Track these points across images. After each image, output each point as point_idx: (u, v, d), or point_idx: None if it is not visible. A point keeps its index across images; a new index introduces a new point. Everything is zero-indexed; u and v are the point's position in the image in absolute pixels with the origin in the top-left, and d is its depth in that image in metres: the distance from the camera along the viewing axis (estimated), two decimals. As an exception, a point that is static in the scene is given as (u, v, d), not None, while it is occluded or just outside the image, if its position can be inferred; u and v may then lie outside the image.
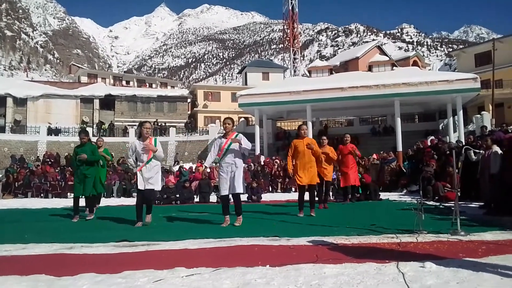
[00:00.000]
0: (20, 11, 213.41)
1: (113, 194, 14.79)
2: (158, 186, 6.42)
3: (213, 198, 11.87)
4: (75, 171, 7.48)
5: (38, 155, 28.15)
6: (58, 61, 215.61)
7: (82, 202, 7.34)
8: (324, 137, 9.25)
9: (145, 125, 6.25)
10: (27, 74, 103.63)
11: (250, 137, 28.53)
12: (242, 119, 35.20)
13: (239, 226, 5.66)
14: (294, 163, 7.08)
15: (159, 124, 35.02)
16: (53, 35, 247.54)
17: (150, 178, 6.16)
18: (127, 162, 6.24)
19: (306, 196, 7.17)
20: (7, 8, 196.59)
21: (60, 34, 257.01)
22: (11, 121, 34.29)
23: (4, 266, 3.37)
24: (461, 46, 79.96)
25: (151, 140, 6.22)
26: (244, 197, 12.68)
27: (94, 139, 8.49)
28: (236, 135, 5.86)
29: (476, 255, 3.44)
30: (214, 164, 18.33)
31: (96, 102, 38.28)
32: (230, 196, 5.99)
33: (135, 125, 34.42)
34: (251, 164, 18.28)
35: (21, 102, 35.63)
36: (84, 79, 47.60)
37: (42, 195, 15.29)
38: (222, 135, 6.13)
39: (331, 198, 10.32)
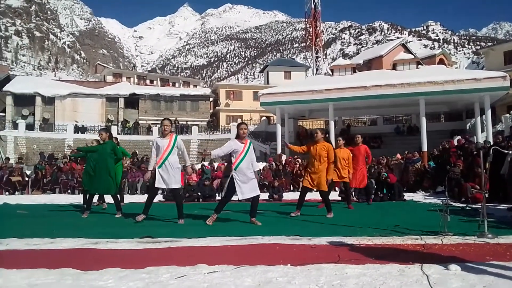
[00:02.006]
0: (49, 12, 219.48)
1: (137, 191, 15.06)
2: (178, 184, 6.45)
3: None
4: (93, 166, 7.41)
5: (65, 152, 28.97)
6: (84, 60, 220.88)
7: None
8: (340, 138, 8.88)
9: (163, 122, 6.30)
10: (55, 74, 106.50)
11: (272, 136, 28.72)
12: (264, 118, 35.21)
13: (261, 225, 5.75)
14: (305, 164, 7.14)
15: (180, 123, 35.43)
16: (80, 35, 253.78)
17: (171, 177, 6.16)
18: (150, 159, 6.36)
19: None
20: (36, 9, 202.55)
21: (87, 34, 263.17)
22: (39, 119, 35.45)
23: (33, 260, 3.50)
24: (489, 44, 77.62)
25: (172, 136, 6.26)
26: (265, 196, 12.74)
27: (119, 138, 8.59)
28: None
29: (503, 259, 3.34)
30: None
31: (121, 101, 39.07)
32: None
33: (158, 123, 34.94)
34: (273, 163, 18.25)
35: (49, 101, 36.76)
36: (109, 78, 48.57)
37: (69, 191, 15.69)
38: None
39: (354, 198, 10.21)
